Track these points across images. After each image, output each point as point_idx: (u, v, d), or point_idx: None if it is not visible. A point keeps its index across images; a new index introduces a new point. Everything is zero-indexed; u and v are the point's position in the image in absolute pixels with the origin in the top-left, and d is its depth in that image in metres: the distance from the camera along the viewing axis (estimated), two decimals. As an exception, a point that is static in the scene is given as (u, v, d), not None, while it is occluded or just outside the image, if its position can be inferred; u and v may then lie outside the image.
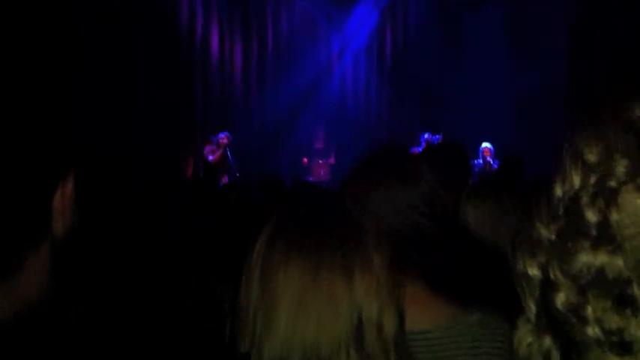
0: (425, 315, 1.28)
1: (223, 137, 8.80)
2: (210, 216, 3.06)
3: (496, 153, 9.10)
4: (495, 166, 8.87)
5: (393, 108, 10.81)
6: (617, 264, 0.59)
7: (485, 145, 9.13)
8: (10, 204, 0.78)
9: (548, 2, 9.58)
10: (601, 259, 0.60)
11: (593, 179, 0.63)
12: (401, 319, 1.00)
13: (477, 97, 9.71)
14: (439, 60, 10.21)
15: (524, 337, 0.67)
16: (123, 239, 2.84)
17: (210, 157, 8.59)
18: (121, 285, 2.46)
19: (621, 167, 0.61)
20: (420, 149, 9.24)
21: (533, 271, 0.66)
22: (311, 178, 9.51)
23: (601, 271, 0.60)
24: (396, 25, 10.95)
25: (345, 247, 0.98)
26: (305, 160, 9.67)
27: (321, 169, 9.62)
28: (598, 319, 0.59)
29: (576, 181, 0.65)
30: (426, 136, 9.47)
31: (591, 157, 0.64)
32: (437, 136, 9.35)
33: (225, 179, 8.76)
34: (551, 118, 9.06)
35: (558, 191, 0.66)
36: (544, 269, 0.65)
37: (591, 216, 0.61)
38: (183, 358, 1.99)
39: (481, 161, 9.02)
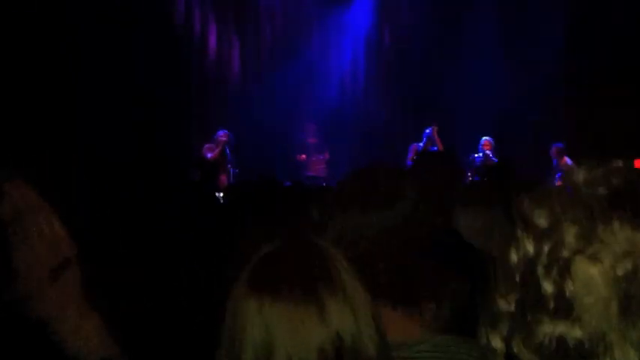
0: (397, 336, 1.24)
1: (222, 135, 8.82)
2: (206, 216, 3.08)
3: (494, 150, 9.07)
4: (495, 160, 8.82)
5: (388, 106, 10.83)
6: (577, 334, 0.58)
7: (485, 138, 9.07)
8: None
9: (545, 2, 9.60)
10: (560, 330, 0.59)
11: (546, 248, 0.62)
12: (383, 340, 0.96)
13: (473, 96, 9.73)
14: (435, 59, 10.25)
15: None
16: (122, 237, 2.90)
17: (209, 155, 8.62)
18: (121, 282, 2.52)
19: (571, 236, 0.61)
20: (422, 145, 9.30)
21: (497, 344, 0.65)
22: (309, 174, 9.56)
23: (562, 342, 0.59)
24: (392, 22, 10.97)
25: (313, 273, 0.94)
26: (303, 156, 9.70)
27: (318, 165, 9.65)
28: None
29: (529, 247, 0.64)
30: (427, 130, 9.42)
31: (541, 221, 0.64)
32: (429, 129, 9.31)
33: (223, 177, 8.84)
34: (548, 118, 9.12)
35: (513, 257, 0.66)
36: (507, 342, 0.64)
37: (547, 286, 0.61)
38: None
39: (482, 155, 9.01)
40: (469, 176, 8.73)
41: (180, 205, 3.24)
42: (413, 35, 10.61)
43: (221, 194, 4.74)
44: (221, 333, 0.97)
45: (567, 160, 8.78)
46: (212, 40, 10.33)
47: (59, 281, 0.94)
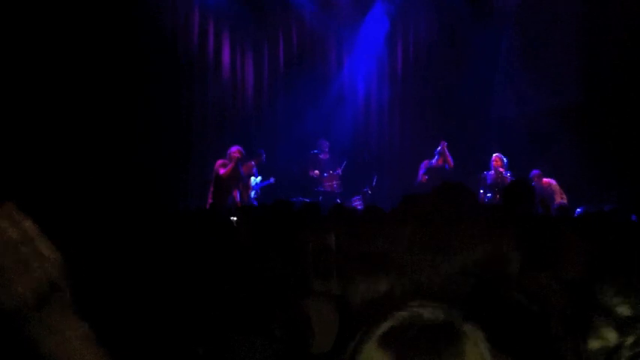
0: None
1: (235, 151, 8.85)
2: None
3: (509, 167, 9.03)
4: (508, 175, 8.78)
5: (404, 120, 10.86)
6: None
7: (496, 154, 8.98)
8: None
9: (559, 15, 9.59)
10: None
11: (630, 340, 0.63)
12: None
13: (488, 110, 9.74)
14: (449, 72, 10.28)
15: None
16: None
17: (222, 171, 8.67)
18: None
19: None
20: (434, 161, 9.30)
21: None
22: (320, 189, 9.61)
23: None
24: (406, 37, 11.03)
25: None
26: (316, 172, 9.76)
27: (331, 181, 9.70)
28: None
29: (611, 337, 0.64)
30: (439, 147, 9.41)
31: (624, 310, 0.65)
32: (440, 145, 9.33)
33: (236, 193, 8.91)
34: (566, 134, 9.06)
35: (594, 344, 0.66)
36: None
37: None
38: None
39: (493, 172, 8.97)
40: (481, 194, 8.76)
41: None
42: (426, 52, 10.67)
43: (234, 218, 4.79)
44: None
45: (550, 180, 8.75)
46: (226, 60, 10.47)
47: (46, 308, 0.92)
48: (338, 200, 9.06)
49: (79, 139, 7.63)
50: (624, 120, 8.67)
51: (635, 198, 7.56)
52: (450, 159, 9.31)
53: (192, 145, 10.02)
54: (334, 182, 9.68)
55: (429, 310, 0.88)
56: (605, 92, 8.93)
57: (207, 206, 8.13)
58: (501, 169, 8.85)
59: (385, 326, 0.89)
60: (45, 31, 7.48)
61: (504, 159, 8.96)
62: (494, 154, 9.00)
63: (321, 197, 9.30)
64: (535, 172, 8.66)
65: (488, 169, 8.96)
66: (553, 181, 8.64)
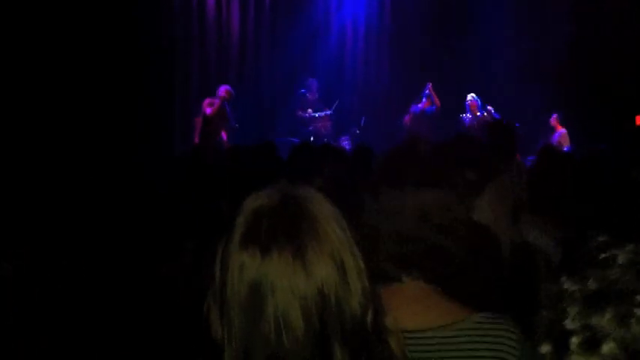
0: (420, 315, 1.26)
1: (222, 90, 8.77)
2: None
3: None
4: (483, 114, 8.79)
5: (392, 70, 10.72)
6: None
7: (470, 97, 9.03)
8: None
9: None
10: None
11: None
12: (372, 302, 0.99)
13: (480, 61, 9.63)
14: (440, 24, 10.14)
15: None
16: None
17: (208, 110, 8.58)
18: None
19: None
20: (421, 105, 9.26)
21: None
22: (310, 129, 9.56)
23: None
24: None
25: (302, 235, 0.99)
26: (309, 111, 9.65)
27: (323, 122, 9.63)
28: None
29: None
30: (426, 91, 9.36)
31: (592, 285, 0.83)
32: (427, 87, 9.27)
33: (223, 134, 8.85)
34: (556, 81, 9.03)
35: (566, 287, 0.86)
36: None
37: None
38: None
39: (470, 115, 9.01)
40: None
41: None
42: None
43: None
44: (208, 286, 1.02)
45: (562, 129, 8.96)
46: (211, 8, 10.21)
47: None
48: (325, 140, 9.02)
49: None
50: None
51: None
52: (436, 100, 9.31)
53: (175, 98, 9.77)
54: (325, 123, 9.62)
55: None
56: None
57: (193, 147, 8.09)
58: (477, 112, 8.93)
59: None
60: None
61: (478, 101, 9.02)
62: (468, 97, 9.01)
63: (312, 137, 9.25)
64: (554, 115, 8.81)
65: (465, 112, 9.01)
66: (564, 130, 8.84)
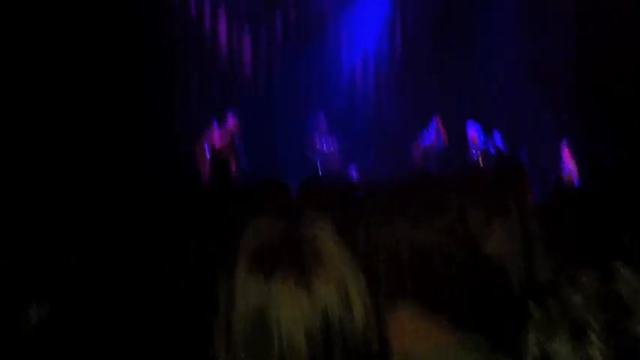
0: (422, 338, 1.28)
1: (231, 123, 8.80)
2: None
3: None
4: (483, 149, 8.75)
5: (399, 100, 10.73)
6: None
7: (471, 130, 8.86)
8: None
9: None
10: None
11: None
12: (375, 326, 1.01)
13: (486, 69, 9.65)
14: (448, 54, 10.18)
15: None
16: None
17: (218, 144, 8.61)
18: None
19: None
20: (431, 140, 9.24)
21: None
22: (319, 158, 9.52)
23: None
24: (406, 17, 10.86)
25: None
26: (317, 145, 9.65)
27: (330, 157, 9.61)
28: None
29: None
30: (434, 124, 9.34)
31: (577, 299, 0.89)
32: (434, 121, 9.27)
33: (232, 166, 8.82)
34: (562, 85, 8.98)
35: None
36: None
37: None
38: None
39: (473, 150, 8.86)
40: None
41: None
42: (426, 29, 10.52)
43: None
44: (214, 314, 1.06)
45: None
46: (222, 35, 10.32)
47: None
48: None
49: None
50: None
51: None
52: (444, 135, 9.28)
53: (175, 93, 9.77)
54: (332, 158, 9.57)
55: None
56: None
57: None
58: (480, 147, 8.78)
59: None
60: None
61: (479, 132, 8.86)
62: (468, 130, 8.93)
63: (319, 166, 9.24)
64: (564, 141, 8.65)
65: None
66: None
